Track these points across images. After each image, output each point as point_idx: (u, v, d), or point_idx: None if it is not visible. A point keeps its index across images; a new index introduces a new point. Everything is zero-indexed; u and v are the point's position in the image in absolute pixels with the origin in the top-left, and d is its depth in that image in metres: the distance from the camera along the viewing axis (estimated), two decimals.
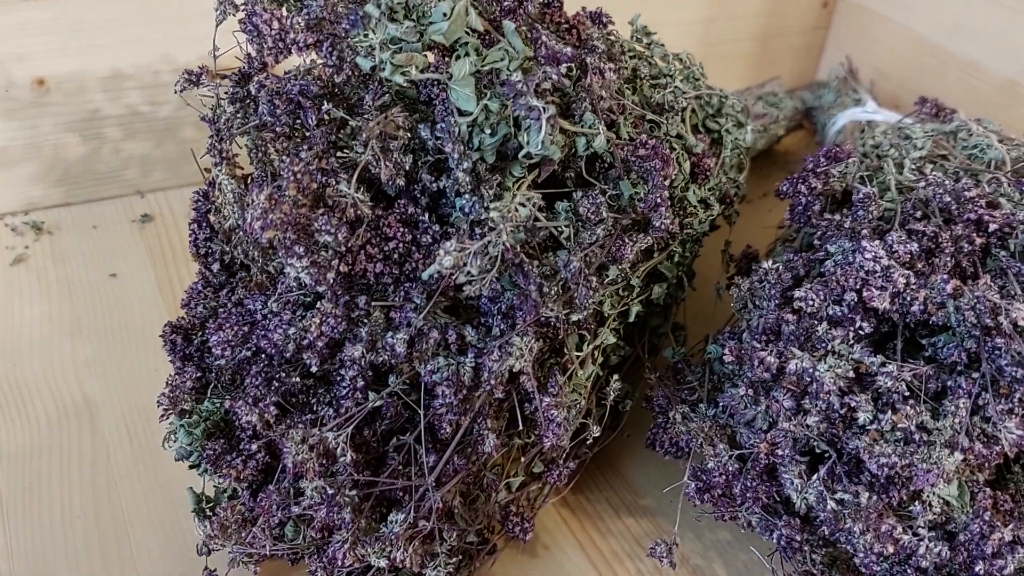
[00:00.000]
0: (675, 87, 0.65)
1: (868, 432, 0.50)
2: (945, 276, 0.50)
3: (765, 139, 1.04)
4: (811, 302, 0.52)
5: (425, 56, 0.48)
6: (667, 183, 0.54)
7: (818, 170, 0.62)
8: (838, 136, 0.98)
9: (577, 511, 0.69)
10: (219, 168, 0.50)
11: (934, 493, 0.49)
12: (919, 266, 0.53)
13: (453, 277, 0.47)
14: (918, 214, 0.60)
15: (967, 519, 0.50)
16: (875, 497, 0.50)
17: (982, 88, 1.11)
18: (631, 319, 0.60)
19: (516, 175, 0.51)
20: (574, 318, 0.52)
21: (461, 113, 0.47)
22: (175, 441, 0.55)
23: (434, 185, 0.49)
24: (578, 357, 0.56)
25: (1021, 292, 0.53)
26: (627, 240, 0.55)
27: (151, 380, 0.74)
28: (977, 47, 1.10)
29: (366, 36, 0.44)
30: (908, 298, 0.50)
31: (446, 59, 0.48)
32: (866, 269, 0.50)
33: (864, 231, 0.56)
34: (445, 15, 0.43)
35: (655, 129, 0.60)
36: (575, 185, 0.56)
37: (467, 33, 0.46)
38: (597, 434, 0.60)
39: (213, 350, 0.54)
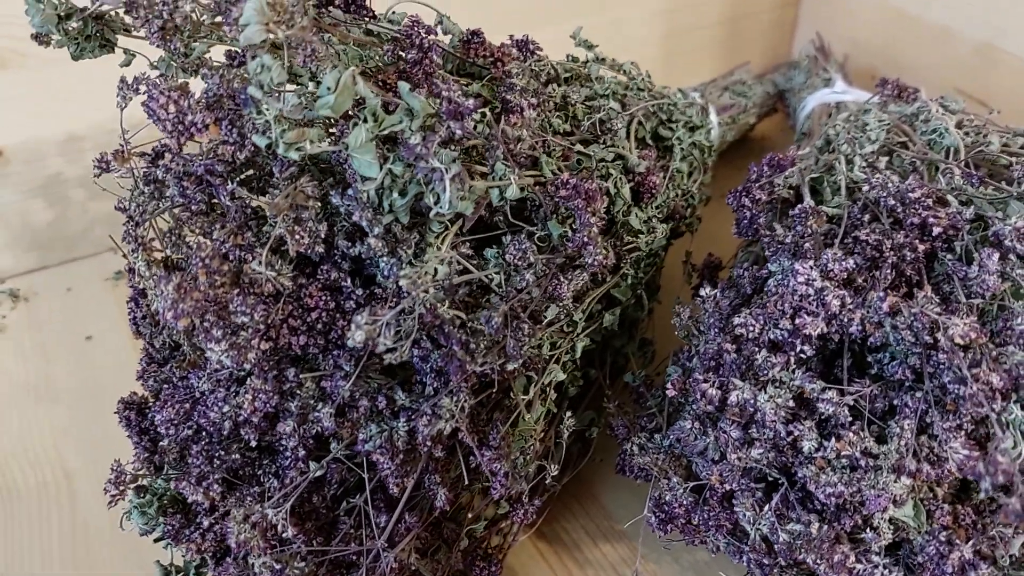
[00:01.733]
0: (609, 108, 0.63)
1: (814, 460, 0.49)
2: (882, 294, 0.49)
3: (735, 130, 1.02)
4: (751, 328, 0.51)
5: (323, 125, 0.47)
6: (596, 218, 0.52)
7: (761, 181, 0.61)
8: (806, 122, 0.96)
9: (553, 542, 0.68)
10: (135, 255, 0.49)
11: (884, 519, 0.48)
12: (860, 280, 0.52)
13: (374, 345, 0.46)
14: (867, 218, 0.58)
15: (923, 540, 0.49)
16: (826, 526, 0.49)
17: (958, 54, 1.08)
18: (578, 355, 0.59)
19: (437, 230, 0.50)
20: (510, 367, 0.51)
21: (365, 179, 0.46)
22: (131, 519, 0.55)
23: (351, 251, 0.49)
24: (525, 400, 0.55)
25: (966, 298, 0.52)
26: (563, 279, 0.54)
27: (127, 443, 0.74)
28: (951, 12, 1.08)
29: (260, 113, 0.44)
30: (845, 319, 0.49)
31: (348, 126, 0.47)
32: (799, 294, 0.49)
33: (807, 245, 0.55)
34: (330, 88, 0.42)
35: (585, 160, 0.59)
36: (508, 227, 0.56)
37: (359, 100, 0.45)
38: (555, 472, 0.59)
39: (159, 428, 0.54)
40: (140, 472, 0.56)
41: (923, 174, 0.66)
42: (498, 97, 0.56)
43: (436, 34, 0.52)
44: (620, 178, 0.62)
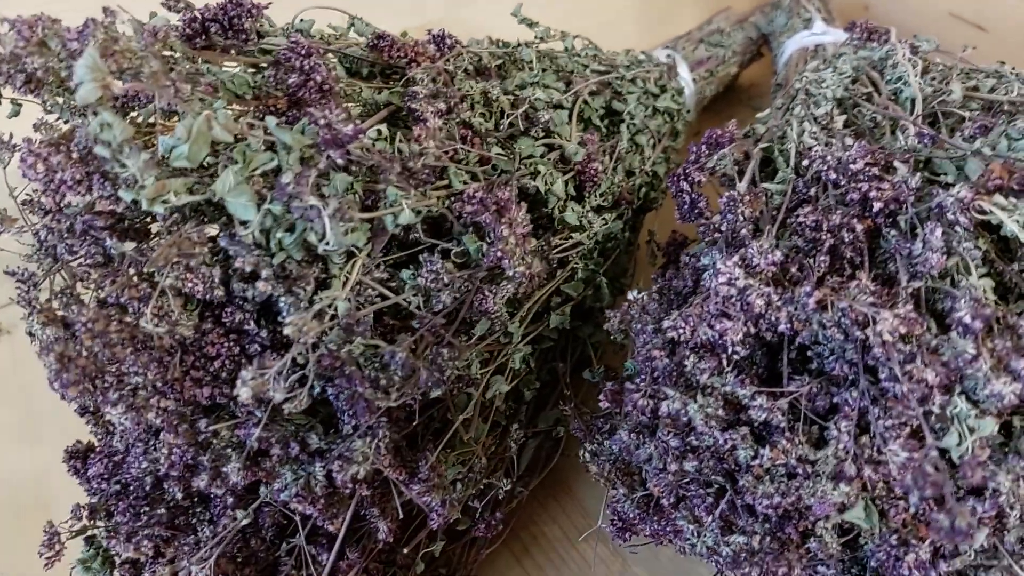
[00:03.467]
0: (535, 98, 0.60)
1: (752, 469, 0.46)
2: (808, 288, 0.45)
3: (715, 83, 0.97)
4: (681, 330, 0.48)
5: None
6: (511, 228, 0.50)
7: (700, 161, 0.57)
8: (785, 69, 0.91)
9: (530, 544, 0.67)
10: (31, 319, 0.48)
11: (827, 528, 0.45)
12: (793, 270, 0.48)
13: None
14: (814, 192, 0.55)
15: (874, 545, 0.46)
16: (768, 538, 0.46)
17: None
18: (517, 365, 0.57)
19: (339, 261, 0.47)
20: (434, 394, 0.49)
21: (245, 222, 0.44)
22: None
23: (247, 294, 0.47)
24: (461, 418, 0.53)
25: (911, 278, 0.48)
26: (487, 292, 0.52)
27: None
28: None
29: (123, 166, 0.42)
30: (772, 318, 0.45)
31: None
32: (721, 295, 0.46)
33: (743, 232, 0.52)
34: (183, 138, 0.40)
35: (505, 162, 0.56)
36: (428, 242, 0.53)
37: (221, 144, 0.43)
38: (508, 487, 0.57)
39: (91, 483, 0.53)
40: (88, 524, 0.56)
41: (885, 131, 0.62)
42: (404, 106, 0.53)
43: (320, 53, 0.49)
44: (550, 173, 0.58)
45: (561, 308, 0.62)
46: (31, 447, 0.78)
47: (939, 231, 0.47)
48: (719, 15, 1.06)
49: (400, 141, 0.49)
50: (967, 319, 0.43)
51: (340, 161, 0.44)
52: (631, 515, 0.52)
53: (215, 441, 0.48)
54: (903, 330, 0.42)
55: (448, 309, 0.50)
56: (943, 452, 0.44)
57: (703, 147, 0.58)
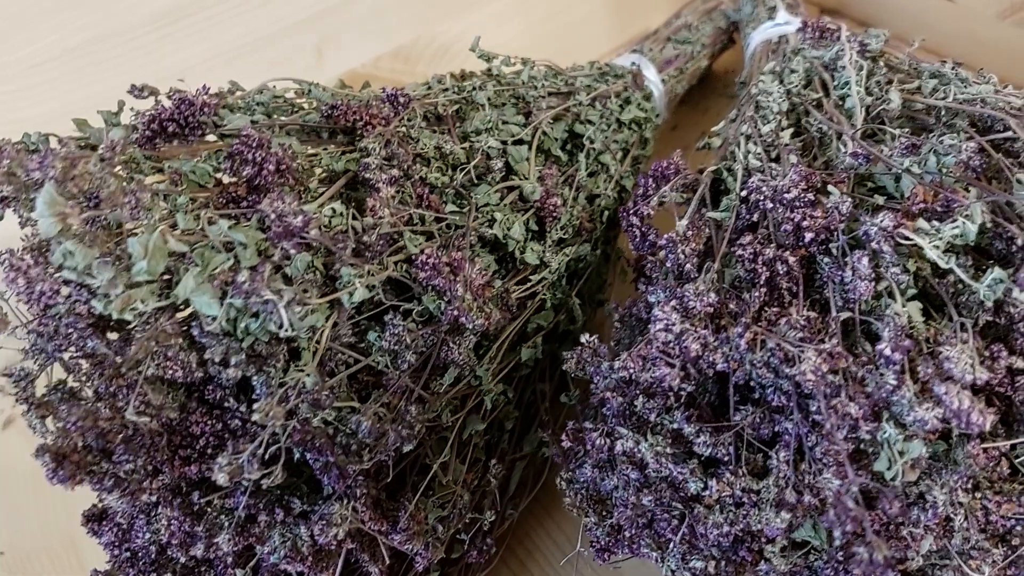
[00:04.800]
0: (488, 146, 0.63)
1: (703, 500, 0.49)
2: (740, 330, 0.48)
3: (686, 79, 0.99)
4: (631, 370, 0.51)
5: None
6: (465, 287, 0.53)
7: (648, 195, 0.60)
8: (749, 65, 0.93)
9: (527, 560, 0.71)
10: (28, 415, 0.52)
11: (775, 551, 0.48)
12: (732, 306, 0.51)
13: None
14: (756, 217, 0.57)
15: (822, 563, 0.49)
16: (723, 562, 0.49)
17: None
18: (490, 406, 0.60)
19: (304, 335, 0.51)
20: (406, 449, 0.53)
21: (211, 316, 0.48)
22: None
23: (223, 375, 0.50)
24: (438, 462, 0.57)
25: (844, 304, 0.51)
26: (452, 344, 0.55)
27: None
28: None
29: (93, 279, 0.45)
30: (708, 360, 0.48)
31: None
32: (660, 340, 0.49)
33: (688, 266, 0.54)
34: (140, 254, 0.44)
35: (458, 217, 0.59)
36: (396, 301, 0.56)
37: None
38: (492, 519, 0.61)
39: (105, 548, 0.57)
40: None
41: (832, 140, 0.64)
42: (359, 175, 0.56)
43: (270, 146, 0.52)
44: (507, 218, 0.61)
45: (532, 340, 0.65)
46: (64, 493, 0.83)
47: (865, 259, 0.49)
48: (687, 7, 1.07)
49: (354, 218, 0.52)
50: (887, 351, 0.45)
51: (292, 251, 0.47)
52: (603, 542, 0.55)
53: (209, 510, 0.52)
54: (825, 368, 0.45)
55: (415, 366, 0.53)
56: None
57: (650, 180, 0.60)
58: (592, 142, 0.74)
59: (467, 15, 1.07)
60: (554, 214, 0.65)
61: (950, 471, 0.47)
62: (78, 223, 0.42)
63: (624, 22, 1.16)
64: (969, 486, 0.50)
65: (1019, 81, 1.00)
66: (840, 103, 0.67)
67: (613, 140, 0.79)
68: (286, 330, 0.47)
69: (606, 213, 0.73)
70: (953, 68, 0.66)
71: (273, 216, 0.47)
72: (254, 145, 0.51)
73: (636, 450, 0.50)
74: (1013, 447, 0.52)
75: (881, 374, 0.46)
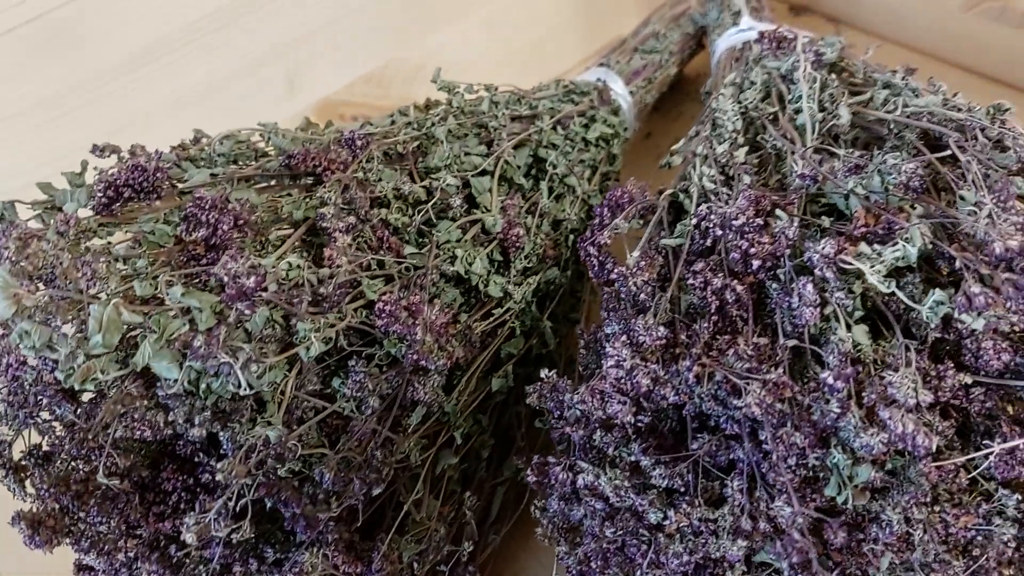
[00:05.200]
0: (446, 184, 0.64)
1: (664, 530, 0.50)
2: (688, 363, 0.49)
3: (655, 87, 1.00)
4: (588, 405, 0.52)
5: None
6: (426, 330, 0.54)
7: (605, 224, 0.61)
8: (715, 74, 0.93)
9: None
10: (6, 479, 0.54)
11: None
12: (683, 337, 0.52)
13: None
14: (709, 243, 0.58)
15: None
16: None
17: None
18: (459, 440, 0.62)
19: (267, 388, 0.52)
20: (376, 492, 0.54)
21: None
22: None
23: (190, 434, 0.52)
24: (410, 500, 0.58)
25: (791, 331, 0.52)
26: (417, 384, 0.56)
27: None
28: None
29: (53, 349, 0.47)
30: (661, 393, 0.49)
31: None
32: (612, 377, 0.50)
33: (643, 296, 0.55)
34: (94, 329, 0.45)
35: (417, 259, 0.60)
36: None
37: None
38: (470, 549, 0.62)
39: None
40: None
41: (787, 156, 0.65)
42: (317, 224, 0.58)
43: (225, 204, 0.53)
44: (469, 253, 0.62)
45: (503, 369, 0.66)
46: None
47: (810, 286, 0.50)
48: (655, 13, 1.07)
49: (312, 269, 0.53)
50: (830, 380, 0.46)
51: (247, 313, 0.49)
52: (575, 571, 0.56)
53: (187, 561, 0.54)
54: (770, 400, 0.46)
55: (379, 410, 0.55)
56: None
57: (605, 209, 0.61)
58: (555, 167, 0.74)
59: (435, 35, 1.08)
60: (517, 244, 0.66)
61: (902, 491, 0.48)
62: (32, 303, 0.44)
63: (595, 31, 1.17)
64: (927, 500, 0.51)
65: (987, 71, 1.00)
66: (795, 117, 0.68)
67: (579, 160, 0.80)
68: (245, 389, 0.48)
69: (572, 236, 0.73)
70: (904, 78, 0.66)
71: (226, 279, 0.49)
72: (207, 207, 0.52)
73: (597, 483, 0.51)
74: (972, 458, 0.53)
75: (827, 401, 0.47)
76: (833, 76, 0.68)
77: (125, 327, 0.46)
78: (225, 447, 0.51)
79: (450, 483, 0.63)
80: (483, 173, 0.70)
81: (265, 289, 0.51)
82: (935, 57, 1.03)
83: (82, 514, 0.51)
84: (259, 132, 0.68)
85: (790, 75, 0.73)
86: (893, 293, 0.51)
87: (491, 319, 0.63)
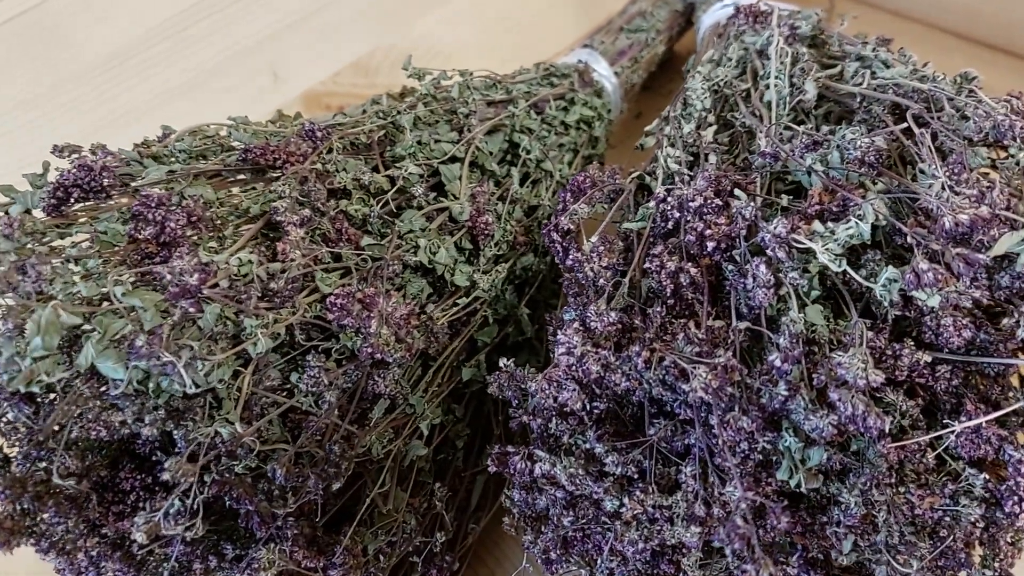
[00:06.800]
0: (408, 174, 0.63)
1: (621, 517, 0.49)
2: (638, 348, 0.48)
3: (642, 67, 0.98)
4: (545, 392, 0.52)
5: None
6: (382, 322, 0.54)
7: (568, 209, 0.60)
8: (700, 49, 0.92)
9: (496, 570, 0.71)
10: None
11: (689, 564, 0.49)
12: (637, 322, 0.51)
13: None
14: (671, 226, 0.57)
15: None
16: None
17: None
18: (426, 432, 0.61)
19: (221, 385, 0.52)
20: (335, 487, 0.54)
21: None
22: None
23: (142, 433, 0.52)
24: (376, 493, 0.58)
25: (748, 313, 0.51)
26: (377, 377, 0.56)
27: None
28: None
29: None
30: (611, 380, 0.49)
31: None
32: (564, 364, 0.49)
33: (601, 281, 0.54)
34: (34, 332, 0.45)
35: (376, 249, 0.59)
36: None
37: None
38: (443, 539, 0.62)
39: None
40: None
41: (756, 135, 0.64)
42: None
43: (173, 202, 0.53)
44: (433, 242, 0.62)
45: (475, 358, 0.66)
46: None
47: (763, 266, 0.49)
48: None
49: (262, 264, 0.53)
50: (777, 363, 0.45)
51: (191, 309, 0.48)
52: (540, 559, 0.56)
53: (150, 558, 0.54)
54: (716, 384, 0.45)
55: (337, 405, 0.54)
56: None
57: (568, 195, 0.61)
58: (529, 152, 0.74)
59: (420, 21, 1.07)
60: (486, 232, 0.65)
61: (858, 473, 0.47)
62: None
63: (587, 11, 1.15)
64: (892, 481, 0.50)
65: (977, 36, 0.98)
66: (766, 93, 0.66)
67: (557, 144, 0.79)
68: (191, 388, 0.48)
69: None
70: (875, 49, 0.64)
71: (169, 277, 0.49)
72: (154, 205, 0.52)
73: (553, 472, 0.50)
74: (939, 437, 0.51)
75: (775, 383, 0.46)
76: (805, 51, 0.67)
77: (67, 329, 0.46)
78: (180, 446, 0.51)
79: (421, 474, 0.63)
80: (453, 160, 0.70)
81: (215, 286, 0.51)
82: (925, 23, 1.01)
83: (42, 515, 0.51)
84: (226, 126, 0.68)
85: (765, 50, 0.71)
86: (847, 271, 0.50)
87: (458, 308, 0.62)
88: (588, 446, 0.50)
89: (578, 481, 0.50)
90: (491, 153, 0.72)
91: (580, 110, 0.83)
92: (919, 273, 0.44)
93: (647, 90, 1.05)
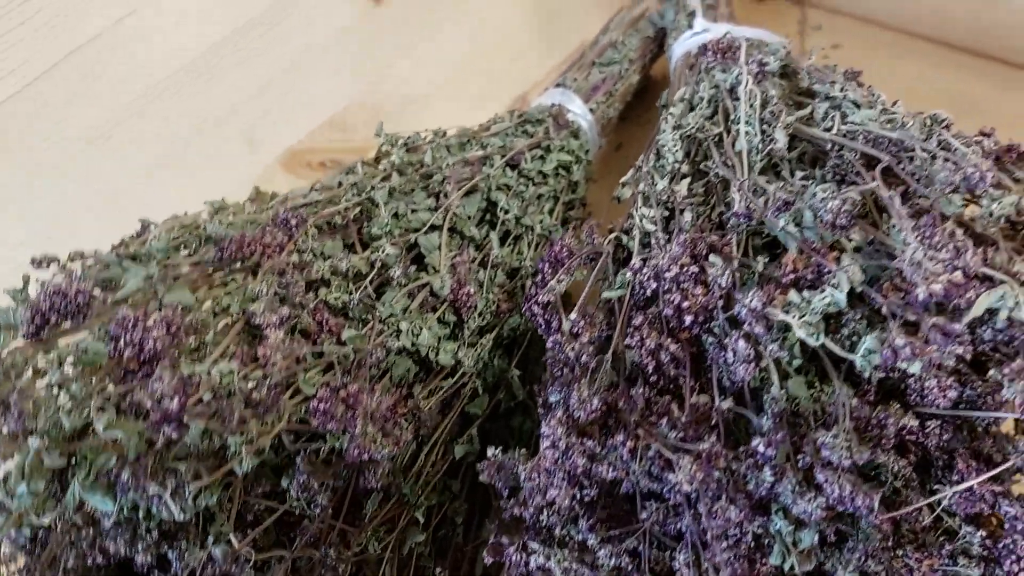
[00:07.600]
0: (386, 254, 0.63)
1: None
2: (622, 438, 0.48)
3: (618, 99, 0.98)
4: (534, 481, 0.51)
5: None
6: (367, 421, 0.53)
7: (547, 282, 0.60)
8: (673, 81, 0.91)
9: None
10: None
11: None
12: (621, 403, 0.51)
13: None
14: (649, 292, 0.57)
15: None
16: None
17: None
18: (422, 518, 0.61)
19: (213, 502, 0.52)
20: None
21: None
22: None
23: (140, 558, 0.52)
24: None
25: (732, 386, 0.50)
26: (368, 473, 0.56)
27: None
28: None
29: None
30: (598, 471, 0.48)
31: None
32: (549, 459, 0.49)
33: (584, 358, 0.54)
34: (17, 479, 0.45)
35: (356, 340, 0.59)
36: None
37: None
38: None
39: None
40: None
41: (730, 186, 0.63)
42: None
43: (149, 320, 0.53)
44: (416, 324, 0.62)
45: (467, 433, 0.65)
46: None
47: (742, 341, 0.49)
48: (615, 18, 1.05)
49: (241, 374, 0.53)
50: (761, 448, 0.45)
51: (174, 435, 0.48)
52: None
53: None
54: (700, 475, 0.44)
55: (329, 505, 0.54)
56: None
57: (546, 266, 0.60)
58: (507, 211, 0.73)
59: (390, 73, 1.07)
60: (468, 304, 0.65)
61: (855, 545, 0.47)
62: None
63: (555, 46, 1.15)
64: (889, 545, 0.49)
65: (954, 42, 0.97)
66: (738, 139, 0.66)
67: (536, 196, 0.79)
68: (179, 517, 0.48)
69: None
70: (842, 89, 0.64)
71: (149, 403, 0.49)
72: (130, 327, 0.52)
73: (548, 564, 0.50)
74: (933, 494, 0.51)
75: (760, 468, 0.46)
76: (775, 93, 0.66)
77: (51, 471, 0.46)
78: (175, 567, 0.51)
79: (421, 559, 0.63)
80: (432, 228, 0.69)
81: (199, 401, 0.51)
82: (901, 31, 1.00)
83: None
84: (203, 215, 0.68)
85: (735, 89, 0.71)
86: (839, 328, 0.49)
87: (445, 388, 0.62)
88: (581, 537, 0.50)
89: (573, 574, 0.49)
90: (469, 217, 0.72)
91: (557, 156, 0.83)
92: (896, 349, 0.43)
93: (625, 120, 1.04)
